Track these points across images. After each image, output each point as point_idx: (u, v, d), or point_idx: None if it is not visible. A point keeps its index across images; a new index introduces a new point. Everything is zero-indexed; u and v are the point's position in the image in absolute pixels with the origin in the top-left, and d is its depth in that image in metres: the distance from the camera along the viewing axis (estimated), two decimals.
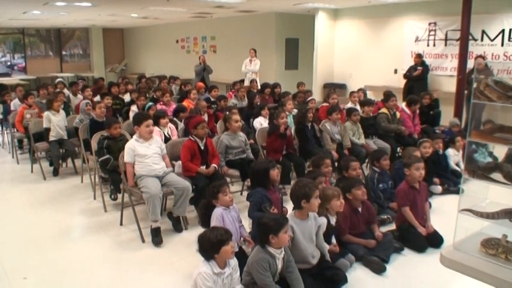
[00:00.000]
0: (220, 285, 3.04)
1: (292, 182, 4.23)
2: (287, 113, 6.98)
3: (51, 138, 6.87)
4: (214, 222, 3.68)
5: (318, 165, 4.70)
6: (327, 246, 3.80)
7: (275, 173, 4.18)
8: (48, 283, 3.88)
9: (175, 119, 6.90)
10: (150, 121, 4.95)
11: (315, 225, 3.66)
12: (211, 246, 3.00)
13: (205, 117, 6.95)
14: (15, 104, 8.64)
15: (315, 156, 5.11)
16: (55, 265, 4.20)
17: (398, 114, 7.32)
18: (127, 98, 9.38)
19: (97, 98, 8.60)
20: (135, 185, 4.75)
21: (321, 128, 6.62)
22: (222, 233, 3.06)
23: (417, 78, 10.09)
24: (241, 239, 3.89)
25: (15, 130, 7.87)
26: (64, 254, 4.43)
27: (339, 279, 3.60)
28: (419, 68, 10.09)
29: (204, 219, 3.84)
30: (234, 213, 3.89)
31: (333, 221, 3.97)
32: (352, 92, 8.64)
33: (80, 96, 9.47)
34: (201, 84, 10.47)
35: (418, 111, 7.60)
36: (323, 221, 3.78)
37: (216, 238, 3.00)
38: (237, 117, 5.78)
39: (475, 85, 2.68)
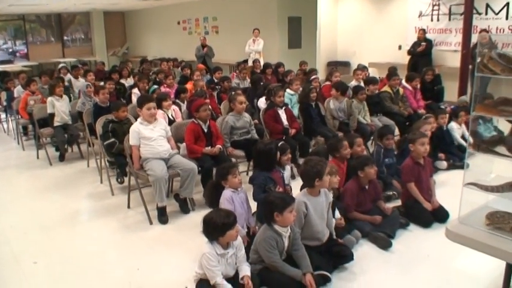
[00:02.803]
0: (224, 264, 3.08)
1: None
2: (292, 92, 6.97)
3: (56, 124, 6.87)
4: (224, 205, 3.69)
5: (337, 149, 4.53)
6: (333, 221, 3.82)
7: (285, 159, 4.27)
8: (58, 267, 3.92)
9: (177, 100, 6.89)
10: (152, 104, 4.87)
11: (326, 201, 3.66)
12: (216, 228, 3.01)
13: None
14: (18, 90, 8.60)
15: (331, 140, 4.97)
16: (64, 249, 4.25)
17: (401, 91, 7.27)
18: (129, 81, 9.36)
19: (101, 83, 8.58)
20: (141, 167, 4.78)
21: (325, 107, 6.59)
22: (227, 215, 3.07)
23: (421, 54, 10.00)
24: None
25: (20, 117, 7.86)
26: (73, 238, 4.48)
27: (345, 255, 3.62)
28: (423, 43, 9.99)
29: (212, 199, 3.86)
30: (243, 194, 3.90)
31: (330, 196, 3.97)
32: (356, 70, 8.56)
33: (81, 79, 9.47)
34: (201, 66, 10.42)
35: (419, 86, 7.54)
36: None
37: (222, 221, 3.01)
38: (241, 98, 5.75)
39: (478, 59, 2.65)
